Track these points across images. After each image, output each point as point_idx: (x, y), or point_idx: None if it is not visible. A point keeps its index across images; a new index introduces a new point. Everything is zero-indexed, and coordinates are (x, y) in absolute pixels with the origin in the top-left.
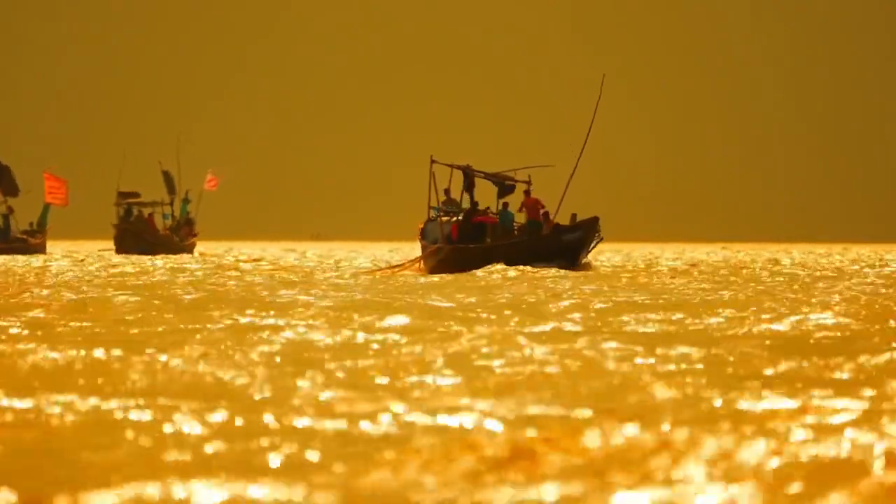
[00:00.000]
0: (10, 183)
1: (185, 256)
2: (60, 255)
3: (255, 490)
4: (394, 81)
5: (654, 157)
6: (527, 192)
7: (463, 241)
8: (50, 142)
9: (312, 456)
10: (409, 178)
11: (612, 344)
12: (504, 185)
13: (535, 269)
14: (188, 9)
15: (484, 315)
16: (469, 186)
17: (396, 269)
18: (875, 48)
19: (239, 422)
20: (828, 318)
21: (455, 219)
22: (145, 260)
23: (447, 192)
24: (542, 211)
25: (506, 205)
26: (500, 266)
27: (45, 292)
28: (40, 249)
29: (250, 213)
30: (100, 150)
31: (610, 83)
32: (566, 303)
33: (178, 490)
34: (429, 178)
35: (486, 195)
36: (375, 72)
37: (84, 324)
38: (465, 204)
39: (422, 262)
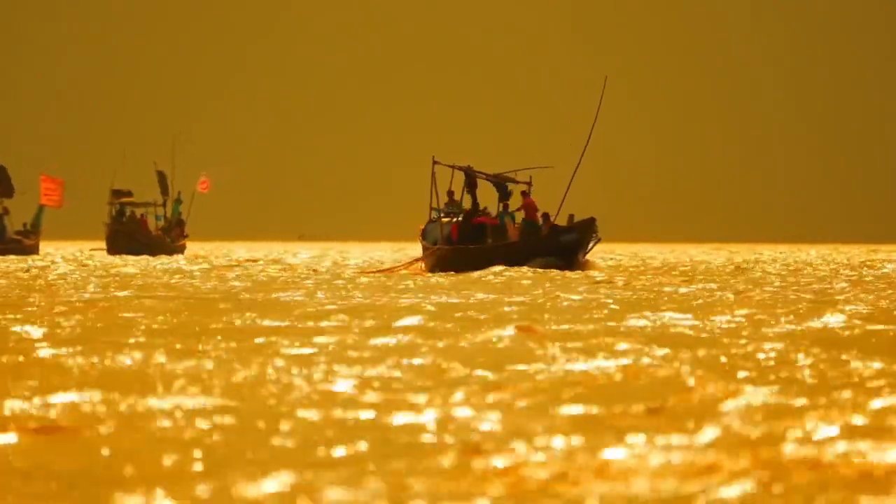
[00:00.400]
0: (5, 184)
1: (180, 257)
2: (58, 256)
3: (275, 491)
4: (394, 81)
5: (654, 157)
6: (524, 193)
7: (462, 242)
8: (47, 142)
9: (335, 458)
10: (408, 178)
11: (624, 345)
12: (505, 190)
13: (535, 271)
14: (188, 9)
15: (484, 316)
16: (471, 187)
17: (397, 270)
18: (875, 48)
19: (260, 424)
20: (837, 318)
21: (455, 220)
22: (141, 260)
23: (451, 193)
24: (541, 212)
25: (506, 206)
26: (499, 267)
27: (36, 297)
28: (34, 250)
29: (242, 214)
30: (96, 149)
31: (610, 83)
32: (566, 303)
33: (201, 491)
34: (430, 179)
35: (487, 196)
36: (375, 72)
37: (104, 325)
38: (468, 205)
39: (422, 262)
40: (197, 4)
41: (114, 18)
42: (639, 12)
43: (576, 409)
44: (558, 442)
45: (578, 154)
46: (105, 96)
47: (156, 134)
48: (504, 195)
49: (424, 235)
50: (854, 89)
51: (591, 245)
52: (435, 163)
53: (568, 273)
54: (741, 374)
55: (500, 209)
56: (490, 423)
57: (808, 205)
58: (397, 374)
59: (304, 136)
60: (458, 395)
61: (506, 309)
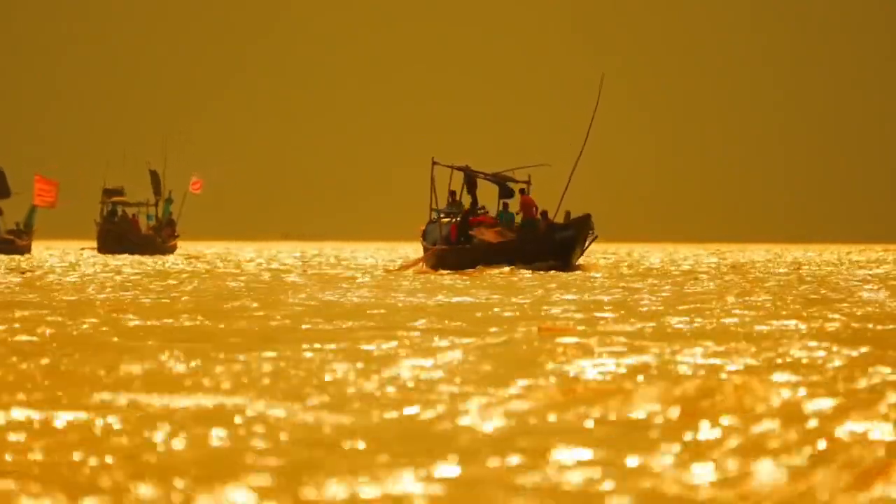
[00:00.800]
0: (2, 185)
1: (174, 257)
2: (51, 256)
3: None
4: (394, 81)
5: (654, 157)
6: (522, 191)
7: (461, 242)
8: (43, 141)
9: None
10: (408, 178)
11: (648, 344)
12: (505, 187)
13: (532, 272)
14: (188, 9)
15: (500, 316)
16: (471, 187)
17: (402, 269)
18: (875, 48)
19: (299, 428)
20: (839, 317)
21: (454, 220)
22: (138, 260)
23: (453, 193)
24: (539, 210)
25: (506, 205)
26: (496, 269)
27: (37, 298)
28: (26, 250)
29: (241, 214)
30: (90, 148)
31: (610, 83)
32: (571, 306)
33: (240, 495)
34: (430, 180)
35: (488, 195)
36: (375, 72)
37: (116, 327)
38: (469, 205)
39: (423, 262)
40: (197, 4)
41: (113, 18)
42: (638, 12)
43: (604, 411)
44: (592, 448)
45: (577, 153)
46: (104, 96)
47: (154, 134)
48: (504, 193)
49: (425, 236)
50: (854, 89)
51: (588, 242)
52: (434, 163)
53: (566, 274)
54: (772, 375)
55: (500, 208)
56: (525, 424)
57: (809, 205)
58: (428, 375)
59: (304, 136)
60: (493, 397)
61: (517, 308)
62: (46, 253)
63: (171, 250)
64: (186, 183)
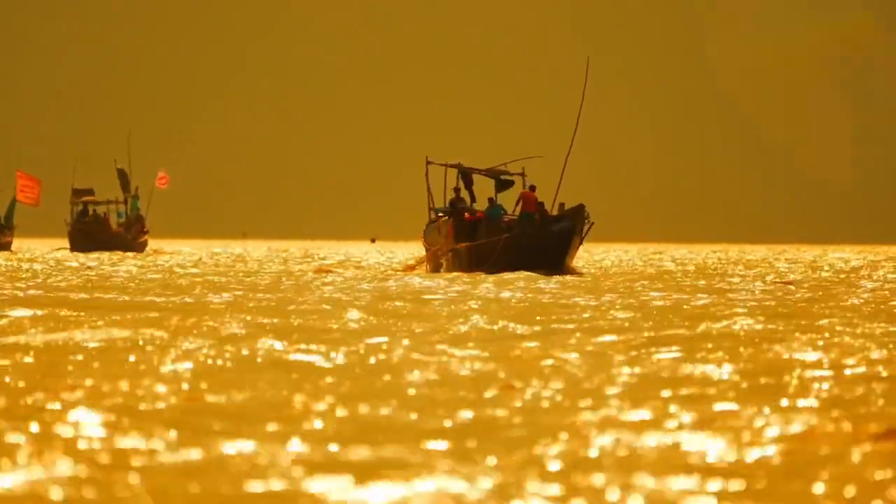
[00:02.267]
0: None
1: (168, 257)
2: (44, 255)
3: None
4: (394, 81)
5: (654, 157)
6: (532, 188)
7: (459, 240)
8: (43, 141)
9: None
10: (408, 178)
11: (673, 351)
12: (501, 180)
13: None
14: (188, 9)
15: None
16: (467, 184)
17: (409, 269)
18: (875, 48)
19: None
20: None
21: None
22: (132, 259)
23: (457, 190)
24: (539, 203)
25: (491, 200)
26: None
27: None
28: (6, 247)
29: (239, 213)
30: (78, 146)
31: (610, 83)
32: (586, 313)
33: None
34: (426, 180)
35: (489, 192)
36: (375, 72)
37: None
38: (469, 202)
39: (426, 262)
40: (197, 4)
41: (112, 18)
42: (638, 12)
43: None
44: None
45: (576, 151)
46: (102, 97)
47: (155, 134)
48: (501, 187)
49: (426, 236)
50: (854, 89)
51: (585, 231)
52: (428, 163)
53: (566, 278)
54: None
55: (489, 203)
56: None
57: (809, 205)
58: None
59: (304, 136)
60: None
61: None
62: (33, 252)
63: (142, 247)
64: (149, 179)
